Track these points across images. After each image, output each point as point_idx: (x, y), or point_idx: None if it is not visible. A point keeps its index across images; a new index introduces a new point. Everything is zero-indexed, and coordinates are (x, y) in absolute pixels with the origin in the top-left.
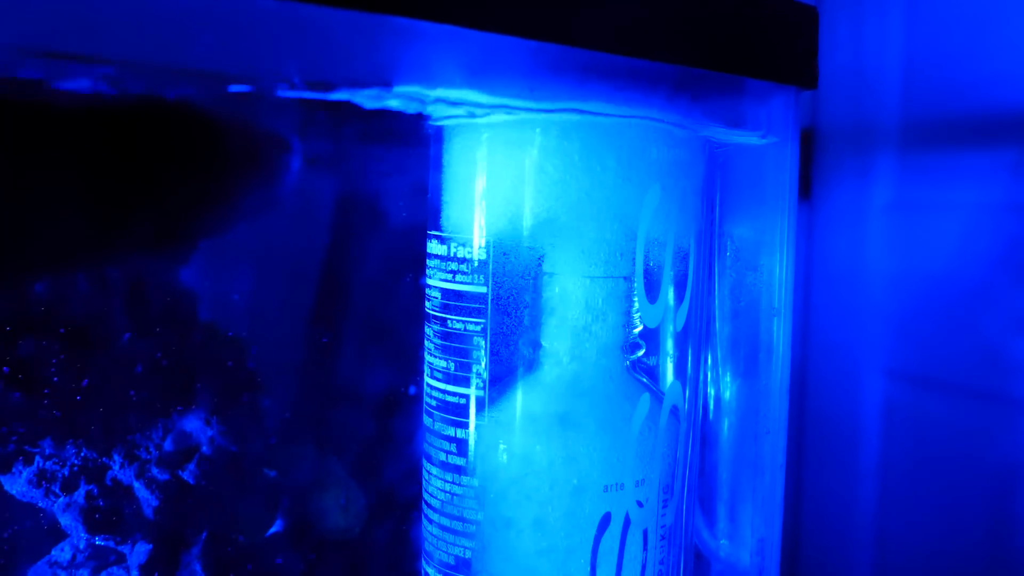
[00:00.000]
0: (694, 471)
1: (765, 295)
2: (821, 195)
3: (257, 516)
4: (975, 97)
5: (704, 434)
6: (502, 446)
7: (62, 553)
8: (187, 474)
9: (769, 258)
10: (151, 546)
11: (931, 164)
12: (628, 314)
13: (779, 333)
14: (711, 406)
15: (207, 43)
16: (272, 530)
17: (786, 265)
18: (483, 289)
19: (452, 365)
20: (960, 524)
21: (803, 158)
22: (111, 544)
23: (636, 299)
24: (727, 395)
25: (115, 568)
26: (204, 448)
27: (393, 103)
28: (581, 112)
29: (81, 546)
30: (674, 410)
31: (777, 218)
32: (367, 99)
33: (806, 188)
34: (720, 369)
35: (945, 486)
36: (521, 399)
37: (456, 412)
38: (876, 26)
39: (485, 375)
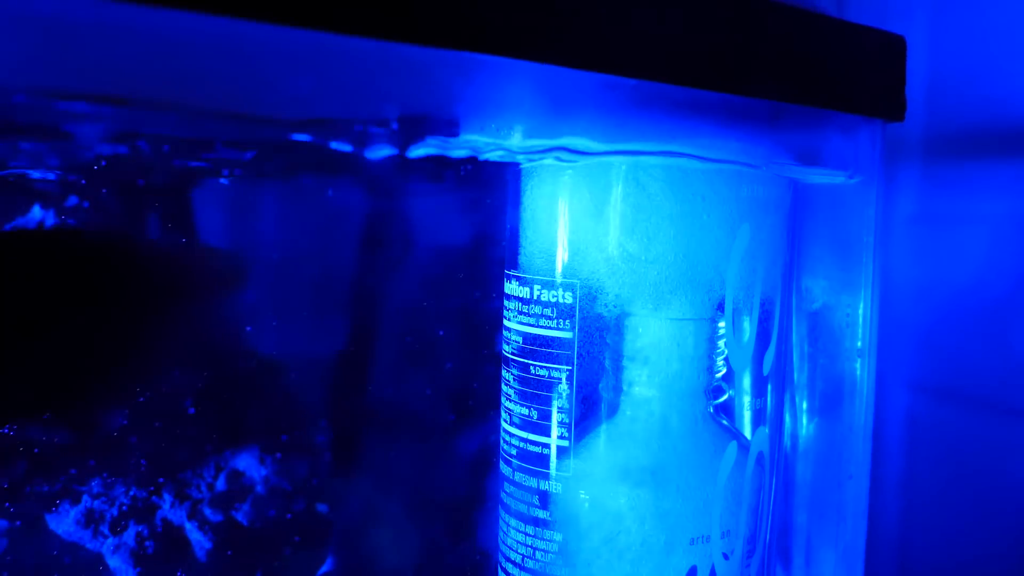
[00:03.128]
0: (776, 520)
1: (848, 336)
2: None
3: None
4: (1000, 109)
5: (785, 480)
6: (586, 497)
7: None
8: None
9: (852, 298)
10: None
11: (956, 176)
12: (712, 358)
13: (863, 374)
14: (790, 447)
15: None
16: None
17: (871, 306)
18: (569, 335)
19: (535, 413)
20: (984, 540)
21: None
22: None
23: (723, 342)
24: (808, 438)
25: None
26: (258, 488)
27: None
28: (669, 154)
29: None
30: (760, 457)
31: (861, 257)
32: (456, 148)
33: None
34: (801, 409)
35: (969, 501)
36: (607, 448)
37: (538, 463)
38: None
39: (570, 423)
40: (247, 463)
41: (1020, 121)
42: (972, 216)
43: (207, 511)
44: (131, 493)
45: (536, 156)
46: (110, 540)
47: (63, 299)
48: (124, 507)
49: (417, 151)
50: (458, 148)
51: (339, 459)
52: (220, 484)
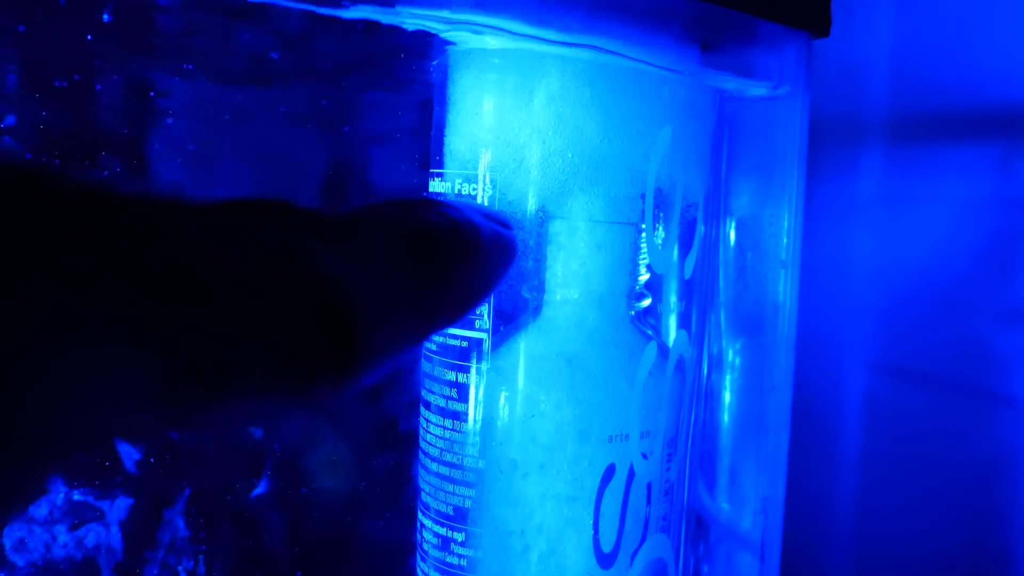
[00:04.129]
0: (697, 431)
1: (772, 248)
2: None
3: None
4: (962, 93)
5: (708, 392)
6: (505, 390)
7: (38, 509)
8: None
9: (777, 209)
10: (132, 501)
11: (918, 159)
12: (635, 262)
13: (786, 287)
14: (714, 362)
15: None
16: (257, 491)
17: (795, 218)
18: None
19: None
20: (941, 518)
21: None
22: (90, 500)
23: (644, 245)
24: (731, 352)
25: (94, 524)
26: None
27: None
28: (590, 48)
29: (59, 501)
30: (680, 363)
31: (787, 170)
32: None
33: None
34: (725, 326)
35: (926, 480)
36: (526, 340)
37: (458, 356)
38: (865, 22)
39: (489, 316)
40: None
41: (981, 106)
42: (933, 198)
43: None
44: None
45: (462, 27)
46: None
47: None
48: None
49: (350, 14)
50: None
51: None
52: None
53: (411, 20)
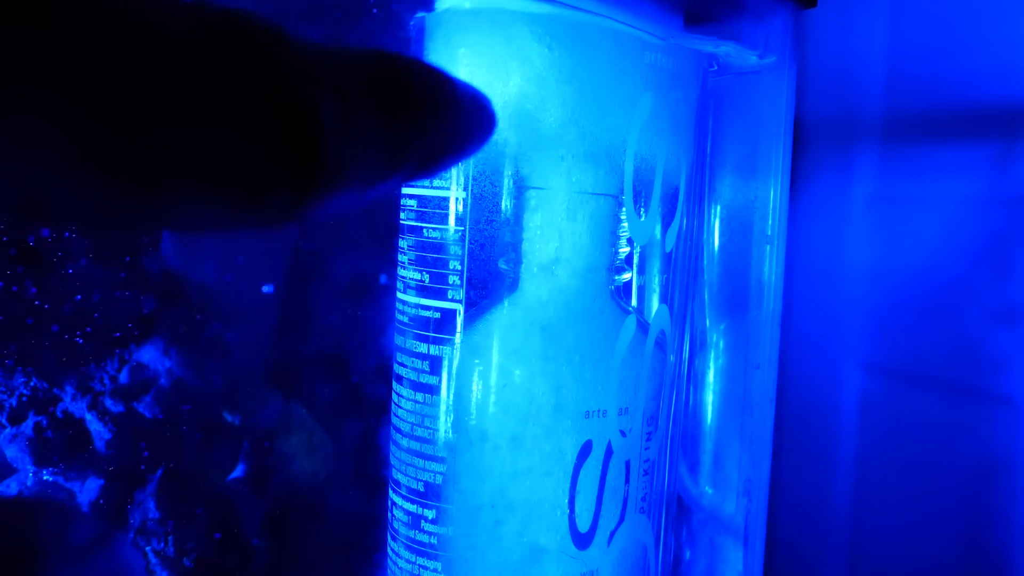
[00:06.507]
0: (679, 411)
1: (758, 223)
2: (802, 188)
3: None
4: (957, 92)
5: (690, 373)
6: (479, 362)
7: (7, 488)
8: (143, 407)
9: (763, 184)
10: (102, 482)
11: (913, 158)
12: (615, 234)
13: (772, 263)
14: (697, 342)
15: None
16: (233, 475)
17: (781, 191)
18: (462, 194)
19: (427, 277)
20: (935, 517)
21: None
22: (60, 480)
23: (624, 217)
24: (715, 332)
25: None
26: (162, 380)
27: None
28: (569, 6)
29: (28, 482)
30: (660, 339)
31: (774, 145)
32: None
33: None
34: (709, 304)
35: (921, 479)
36: (499, 312)
37: (430, 327)
38: (861, 20)
39: (463, 286)
40: (151, 355)
41: (976, 104)
42: (928, 198)
43: (108, 402)
44: (31, 384)
45: None
46: (7, 430)
47: None
48: (23, 397)
49: None
50: None
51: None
52: (123, 377)
53: None
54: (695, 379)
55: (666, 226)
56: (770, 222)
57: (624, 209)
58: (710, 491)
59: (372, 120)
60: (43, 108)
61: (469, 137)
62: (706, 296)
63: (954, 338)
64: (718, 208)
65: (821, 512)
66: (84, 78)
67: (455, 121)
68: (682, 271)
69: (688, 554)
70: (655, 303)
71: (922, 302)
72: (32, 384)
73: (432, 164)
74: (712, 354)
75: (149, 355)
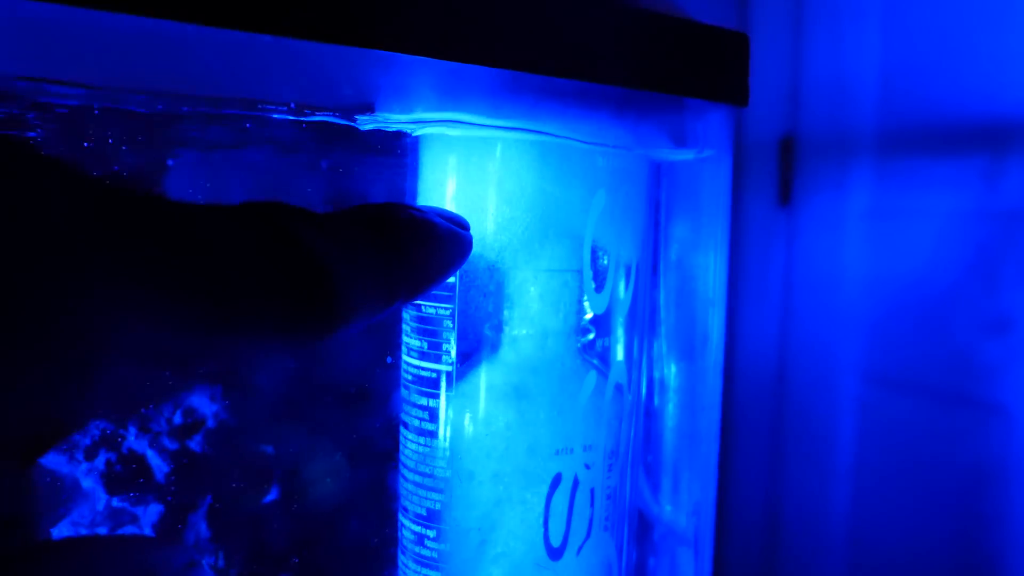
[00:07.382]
0: (639, 442)
1: (701, 288)
2: (801, 202)
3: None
4: (948, 108)
5: (651, 411)
6: (467, 413)
7: (83, 515)
8: (194, 444)
9: (705, 256)
10: (162, 508)
11: (906, 172)
12: (578, 303)
13: (714, 321)
14: (656, 387)
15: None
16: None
17: (720, 261)
18: (452, 279)
19: (426, 344)
20: (931, 524)
21: (783, 166)
22: (127, 506)
23: (585, 290)
24: (671, 377)
25: (130, 527)
26: (209, 422)
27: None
28: (536, 132)
29: (100, 508)
30: (618, 387)
31: (714, 221)
32: (361, 123)
33: (786, 195)
34: (665, 354)
35: (917, 487)
36: (483, 373)
37: (429, 384)
38: (854, 39)
39: (453, 352)
40: (200, 402)
41: (966, 120)
42: (921, 211)
43: (165, 441)
44: (101, 426)
45: (429, 125)
46: (83, 465)
47: None
48: (95, 437)
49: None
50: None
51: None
52: (177, 419)
53: (395, 124)
54: (657, 415)
55: (622, 295)
56: (711, 287)
57: (585, 283)
58: (669, 509)
59: (373, 262)
60: (158, 306)
61: (450, 263)
62: (664, 346)
63: (947, 348)
64: (672, 271)
65: (819, 517)
66: (175, 278)
67: (439, 252)
68: (638, 328)
69: (652, 561)
70: (615, 356)
71: (916, 312)
72: (101, 427)
73: (422, 289)
74: (669, 394)
75: (198, 401)
